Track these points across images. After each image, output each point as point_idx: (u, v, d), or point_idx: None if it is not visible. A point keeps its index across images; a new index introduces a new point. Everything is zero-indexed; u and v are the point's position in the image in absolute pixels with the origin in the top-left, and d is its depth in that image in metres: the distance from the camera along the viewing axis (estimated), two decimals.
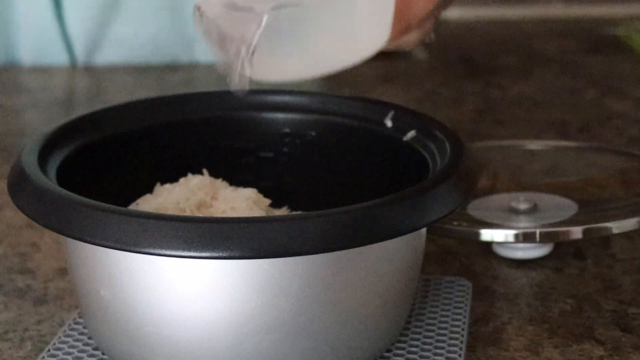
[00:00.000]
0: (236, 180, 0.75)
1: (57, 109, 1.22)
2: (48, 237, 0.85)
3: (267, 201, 0.73)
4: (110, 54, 1.30)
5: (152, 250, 0.58)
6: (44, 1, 1.25)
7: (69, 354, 0.68)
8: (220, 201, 0.71)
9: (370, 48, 0.67)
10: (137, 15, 1.27)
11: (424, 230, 0.67)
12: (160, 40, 1.29)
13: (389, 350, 0.68)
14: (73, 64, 1.29)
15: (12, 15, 1.27)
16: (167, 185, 0.72)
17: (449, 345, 0.68)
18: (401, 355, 0.67)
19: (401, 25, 0.71)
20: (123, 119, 0.74)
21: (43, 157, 0.67)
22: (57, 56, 1.29)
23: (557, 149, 1.01)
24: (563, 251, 0.82)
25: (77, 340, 0.69)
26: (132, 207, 0.72)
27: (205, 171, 0.73)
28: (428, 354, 0.67)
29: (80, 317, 0.72)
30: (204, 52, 1.30)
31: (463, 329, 0.70)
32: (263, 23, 0.63)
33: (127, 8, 1.27)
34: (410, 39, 0.74)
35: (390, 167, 0.73)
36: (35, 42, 1.28)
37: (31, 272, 0.80)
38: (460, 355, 0.67)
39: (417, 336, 0.69)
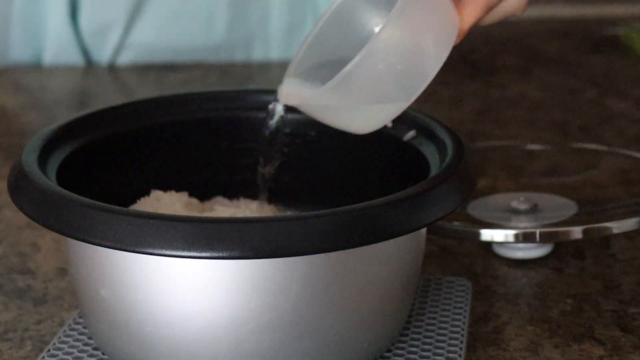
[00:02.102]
0: (236, 180, 0.75)
1: (57, 109, 1.22)
2: (48, 237, 0.85)
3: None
4: (130, 58, 1.30)
5: (152, 250, 0.58)
6: (63, 6, 1.25)
7: (69, 354, 0.68)
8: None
9: (437, 63, 0.68)
10: (159, 20, 1.27)
11: (424, 230, 0.67)
12: (182, 45, 1.29)
13: (389, 350, 0.68)
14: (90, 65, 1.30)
15: (37, 18, 1.27)
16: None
17: (449, 345, 0.68)
18: (401, 355, 0.67)
19: (478, 5, 0.66)
20: (123, 119, 0.74)
21: (43, 157, 0.67)
22: (76, 58, 1.29)
23: (557, 149, 1.01)
24: (563, 251, 0.82)
25: (77, 340, 0.69)
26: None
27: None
28: (428, 354, 0.67)
29: (80, 317, 0.71)
30: (228, 55, 1.30)
31: (463, 329, 0.70)
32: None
33: (149, 13, 1.27)
34: (513, 4, 0.68)
35: (390, 167, 0.73)
36: (54, 44, 1.28)
37: (31, 272, 0.80)
38: (460, 355, 0.67)
39: (417, 336, 0.69)
